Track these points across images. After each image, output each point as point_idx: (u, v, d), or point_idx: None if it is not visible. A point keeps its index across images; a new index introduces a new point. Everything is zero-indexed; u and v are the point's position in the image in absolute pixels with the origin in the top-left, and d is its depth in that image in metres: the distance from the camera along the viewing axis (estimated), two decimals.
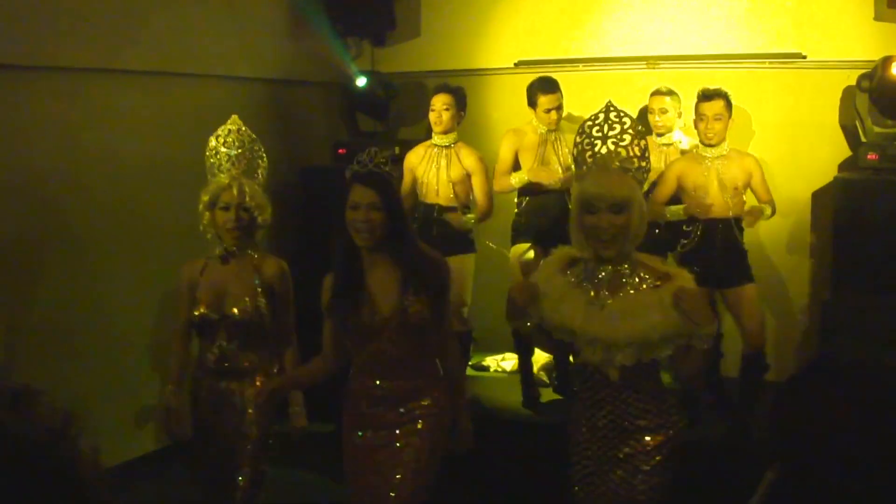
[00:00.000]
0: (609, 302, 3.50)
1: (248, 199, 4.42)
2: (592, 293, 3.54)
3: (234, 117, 4.74)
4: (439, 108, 6.51)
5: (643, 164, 3.56)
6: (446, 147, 6.53)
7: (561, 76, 7.07)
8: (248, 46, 7.17)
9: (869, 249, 6.07)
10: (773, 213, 6.04)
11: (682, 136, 6.56)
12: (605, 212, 3.43)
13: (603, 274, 3.55)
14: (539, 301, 3.60)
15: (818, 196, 6.72)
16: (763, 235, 6.68)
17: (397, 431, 3.94)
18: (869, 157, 6.23)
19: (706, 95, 5.85)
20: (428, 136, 6.75)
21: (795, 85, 6.79)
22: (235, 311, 4.41)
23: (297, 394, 4.56)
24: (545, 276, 3.68)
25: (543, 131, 6.54)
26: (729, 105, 5.84)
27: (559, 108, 6.52)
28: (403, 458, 3.91)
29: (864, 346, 5.94)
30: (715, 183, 5.85)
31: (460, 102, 6.58)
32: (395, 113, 7.78)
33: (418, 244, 3.96)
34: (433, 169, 6.54)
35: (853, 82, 6.42)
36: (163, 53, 6.35)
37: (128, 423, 6.12)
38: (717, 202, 5.84)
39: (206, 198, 4.42)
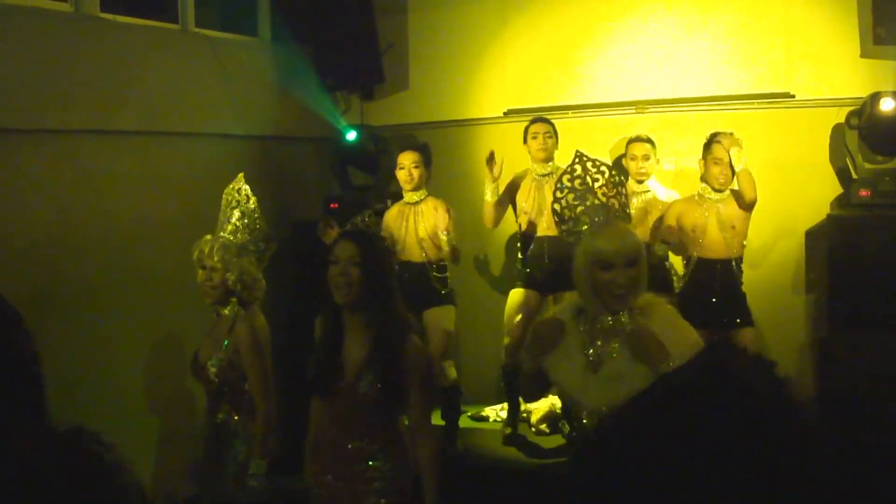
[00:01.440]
0: (604, 367, 3.48)
1: (215, 261, 4.44)
2: (591, 350, 3.52)
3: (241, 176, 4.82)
4: (409, 165, 6.48)
5: (628, 211, 3.58)
6: (416, 203, 6.51)
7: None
8: (238, 104, 7.19)
9: (864, 286, 6.05)
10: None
11: (658, 185, 6.58)
12: (621, 267, 3.42)
13: (604, 324, 3.53)
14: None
15: (812, 234, 6.71)
16: (760, 274, 6.64)
17: (358, 487, 3.88)
18: (861, 193, 6.23)
19: (715, 138, 5.92)
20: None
21: (785, 124, 6.80)
22: (203, 365, 4.50)
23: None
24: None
25: (539, 174, 6.53)
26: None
27: (551, 135, 6.53)
28: None
29: (860, 382, 5.92)
30: (714, 223, 5.87)
31: (428, 159, 6.57)
32: (387, 166, 7.77)
33: (395, 308, 3.86)
34: (406, 226, 6.52)
35: (842, 120, 6.43)
36: (153, 113, 6.37)
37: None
38: (717, 242, 5.85)
39: (195, 255, 4.44)
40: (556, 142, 6.57)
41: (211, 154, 7.09)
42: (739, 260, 5.93)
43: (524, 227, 6.62)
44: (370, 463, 3.84)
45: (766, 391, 1.24)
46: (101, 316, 5.83)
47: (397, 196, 6.81)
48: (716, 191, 5.95)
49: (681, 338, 3.42)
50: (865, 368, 5.95)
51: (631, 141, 6.61)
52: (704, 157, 6.02)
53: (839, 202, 6.63)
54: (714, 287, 5.85)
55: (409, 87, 8.04)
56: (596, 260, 3.45)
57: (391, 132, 7.87)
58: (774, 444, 1.18)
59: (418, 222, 6.47)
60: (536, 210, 6.50)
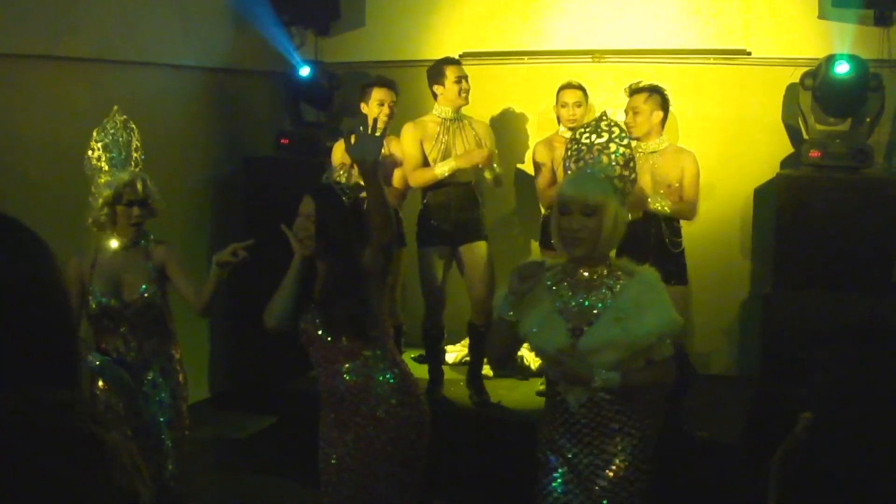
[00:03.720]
0: (582, 337, 3.49)
1: (144, 195, 4.45)
2: (573, 304, 3.55)
3: (116, 108, 4.63)
4: (388, 102, 6.40)
5: (625, 172, 3.55)
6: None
7: (506, 69, 7.10)
8: (192, 35, 7.08)
9: (810, 245, 6.14)
10: (686, 215, 5.91)
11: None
12: (577, 214, 3.45)
13: (579, 277, 3.57)
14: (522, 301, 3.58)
15: (760, 192, 6.79)
16: (705, 230, 6.69)
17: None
18: (811, 154, 6.29)
19: (631, 91, 5.92)
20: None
21: (739, 81, 6.83)
22: (135, 298, 4.45)
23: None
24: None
25: (446, 117, 6.32)
26: (657, 100, 5.83)
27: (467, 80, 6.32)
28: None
29: (801, 340, 6.03)
30: (647, 179, 5.78)
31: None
32: (339, 103, 7.70)
33: (353, 261, 3.95)
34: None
35: (797, 80, 6.48)
36: (104, 41, 6.26)
37: None
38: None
39: (108, 193, 4.38)
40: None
41: (163, 84, 7.00)
42: (672, 218, 5.85)
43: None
44: (380, 378, 4.02)
45: None
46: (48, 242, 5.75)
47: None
48: (634, 139, 5.66)
49: (659, 301, 3.48)
50: (806, 326, 6.06)
51: (562, 87, 6.48)
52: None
53: (789, 162, 6.70)
54: (645, 244, 5.72)
55: (366, 24, 7.93)
56: (558, 203, 3.52)
57: (345, 69, 7.78)
58: None
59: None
60: (441, 157, 6.25)
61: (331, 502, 4.12)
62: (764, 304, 6.38)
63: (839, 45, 6.29)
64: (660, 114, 5.86)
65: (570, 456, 3.62)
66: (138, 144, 4.57)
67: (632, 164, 3.59)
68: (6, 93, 5.70)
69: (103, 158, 4.45)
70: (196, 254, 6.96)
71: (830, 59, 6.11)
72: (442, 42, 7.65)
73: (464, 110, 6.41)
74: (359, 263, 3.96)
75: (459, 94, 6.28)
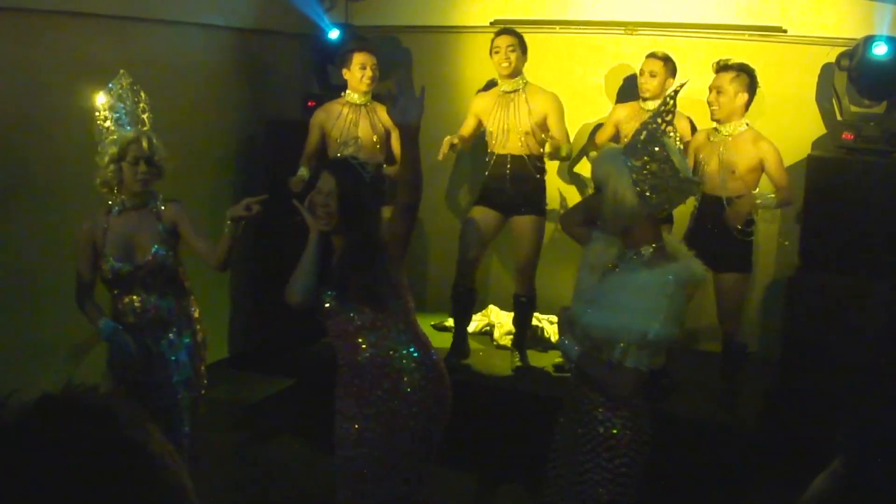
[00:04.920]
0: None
1: (157, 151, 4.42)
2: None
3: (122, 71, 4.58)
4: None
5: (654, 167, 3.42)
6: (513, 92, 6.35)
7: (536, 38, 6.98)
8: None
9: (838, 229, 6.03)
10: (789, 201, 5.78)
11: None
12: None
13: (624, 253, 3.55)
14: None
15: (790, 173, 6.67)
16: None
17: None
18: (844, 136, 6.18)
19: (717, 67, 5.69)
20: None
21: (774, 59, 6.69)
22: (147, 259, 4.43)
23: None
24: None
25: (504, 90, 6.39)
26: (744, 81, 5.60)
27: (515, 48, 6.27)
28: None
29: (824, 325, 5.96)
30: (714, 162, 5.67)
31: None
32: None
33: (371, 234, 3.94)
34: (347, 126, 6.51)
35: (833, 60, 6.36)
36: None
37: (93, 368, 6.04)
38: (714, 182, 5.64)
39: (113, 150, 4.35)
40: (523, 55, 6.33)
41: (190, 43, 6.96)
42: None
43: (489, 145, 6.49)
44: (403, 351, 3.99)
45: None
46: (70, 203, 5.72)
47: (377, 98, 6.68)
48: (715, 121, 5.69)
49: (646, 303, 3.35)
50: (830, 311, 5.99)
51: (646, 56, 6.37)
52: None
53: (821, 144, 6.59)
54: (707, 226, 5.70)
55: None
56: None
57: (374, 33, 7.70)
58: None
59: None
60: (500, 128, 6.34)
61: (347, 476, 4.09)
62: (788, 286, 6.30)
63: (878, 25, 6.17)
64: (745, 96, 5.62)
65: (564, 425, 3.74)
66: (145, 106, 4.52)
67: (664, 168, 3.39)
68: (31, 49, 5.67)
69: (109, 118, 4.43)
70: (219, 215, 6.93)
71: (868, 40, 5.98)
72: (472, 9, 7.58)
73: (491, 73, 6.47)
74: (378, 236, 3.93)
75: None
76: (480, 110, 6.48)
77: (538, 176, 6.38)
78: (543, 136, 6.20)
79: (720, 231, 5.63)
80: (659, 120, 3.36)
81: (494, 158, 6.40)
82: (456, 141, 6.23)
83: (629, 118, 6.32)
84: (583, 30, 7.30)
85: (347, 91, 6.59)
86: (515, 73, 6.30)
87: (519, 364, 6.44)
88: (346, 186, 3.87)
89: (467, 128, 6.52)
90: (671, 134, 3.41)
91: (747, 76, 5.61)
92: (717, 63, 5.70)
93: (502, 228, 6.48)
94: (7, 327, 5.66)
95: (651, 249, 3.42)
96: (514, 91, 6.33)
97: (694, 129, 6.18)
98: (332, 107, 6.64)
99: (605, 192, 3.41)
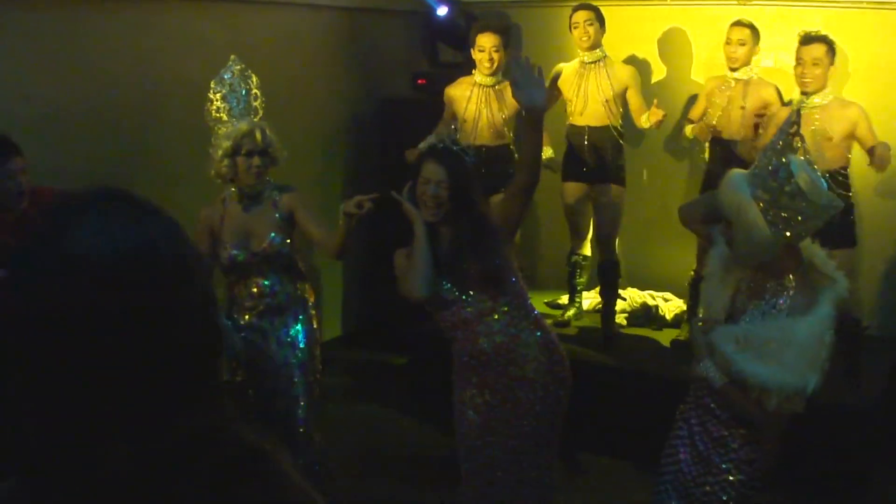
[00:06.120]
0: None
1: (271, 143, 4.45)
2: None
3: (233, 57, 4.61)
4: (489, 48, 6.39)
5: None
6: (594, 63, 6.42)
7: (646, 11, 6.88)
8: None
9: None
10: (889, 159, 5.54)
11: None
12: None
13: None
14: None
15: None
16: (859, 189, 6.36)
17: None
18: None
19: (806, 39, 5.58)
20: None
21: (861, 26, 6.44)
22: (264, 246, 4.47)
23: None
24: None
25: (584, 61, 6.47)
26: (831, 51, 5.54)
27: (592, 22, 6.36)
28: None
29: None
30: (807, 134, 5.53)
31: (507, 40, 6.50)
32: None
33: (483, 218, 3.94)
34: (475, 108, 6.49)
35: None
36: None
37: None
38: (811, 155, 5.52)
39: (227, 144, 4.38)
40: (601, 28, 6.37)
41: (298, 23, 7.01)
42: (839, 172, 5.56)
43: (567, 116, 6.58)
44: (525, 336, 3.96)
45: None
46: (189, 188, 5.83)
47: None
48: (803, 93, 5.61)
49: (797, 355, 3.22)
50: None
51: (731, 24, 6.25)
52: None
53: None
54: None
55: None
56: None
57: (483, 8, 7.66)
58: None
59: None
60: (580, 98, 6.43)
61: (475, 466, 4.08)
62: None
63: None
64: (833, 68, 5.60)
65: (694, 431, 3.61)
66: (257, 92, 4.55)
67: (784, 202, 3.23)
68: (142, 34, 5.77)
69: (223, 109, 4.46)
70: (330, 194, 7.02)
71: None
72: None
73: (580, 51, 6.52)
74: (487, 220, 3.91)
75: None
76: (562, 80, 6.54)
77: (617, 146, 6.45)
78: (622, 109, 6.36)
79: None
80: (785, 140, 3.20)
81: (572, 129, 6.53)
82: None
83: (716, 90, 6.23)
84: (692, 1, 7.15)
85: (475, 70, 6.56)
86: (594, 45, 6.38)
87: (610, 333, 6.50)
88: (456, 174, 3.85)
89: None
90: (799, 146, 3.27)
91: (833, 47, 5.57)
92: (805, 34, 5.61)
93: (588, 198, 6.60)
94: None
95: (792, 283, 3.31)
96: (595, 62, 6.39)
97: (781, 99, 6.04)
98: (461, 85, 6.61)
99: (736, 227, 3.29)
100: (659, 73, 7.21)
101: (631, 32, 7.15)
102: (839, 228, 5.47)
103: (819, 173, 3.29)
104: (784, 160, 3.13)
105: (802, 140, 3.31)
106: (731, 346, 3.31)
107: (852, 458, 5.33)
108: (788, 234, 3.17)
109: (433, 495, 5.24)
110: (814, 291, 3.28)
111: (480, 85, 6.49)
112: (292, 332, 4.61)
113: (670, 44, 7.13)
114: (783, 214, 3.14)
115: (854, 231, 5.67)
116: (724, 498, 3.47)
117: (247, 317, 4.58)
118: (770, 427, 3.36)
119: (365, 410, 6.56)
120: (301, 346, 4.61)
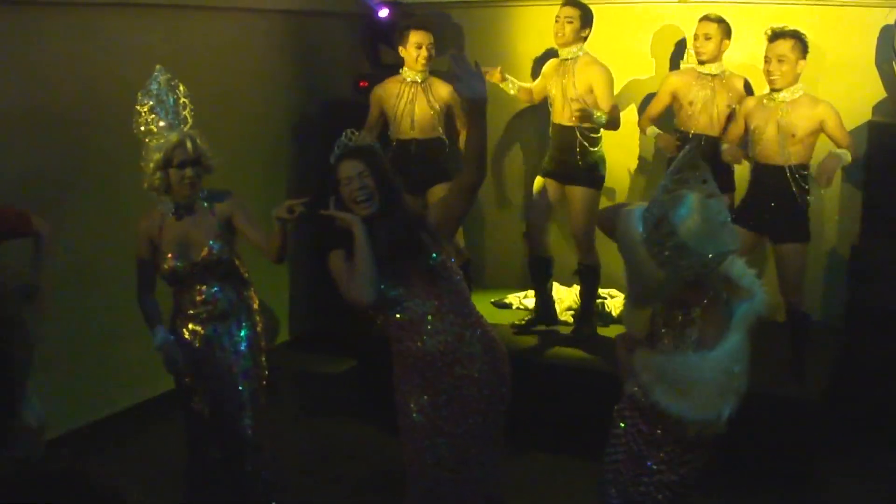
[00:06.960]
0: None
1: (202, 153, 4.42)
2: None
3: (159, 67, 4.55)
4: (427, 44, 6.51)
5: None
6: (569, 60, 6.38)
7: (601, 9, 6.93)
8: None
9: None
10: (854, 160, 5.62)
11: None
12: None
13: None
14: None
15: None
16: None
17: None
18: None
19: (773, 35, 5.56)
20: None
21: (832, 23, 6.54)
22: (203, 255, 4.44)
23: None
24: None
25: (561, 58, 6.46)
26: (800, 46, 5.50)
27: (571, 21, 6.32)
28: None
29: (891, 293, 5.86)
30: (772, 127, 5.56)
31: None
32: None
33: (415, 215, 3.96)
34: (405, 104, 6.59)
35: (892, 21, 6.22)
36: None
37: (153, 359, 6.12)
38: (772, 149, 5.58)
39: (158, 156, 4.34)
40: (581, 28, 6.32)
41: (240, 29, 6.98)
42: (800, 168, 5.59)
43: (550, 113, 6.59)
44: (468, 335, 3.96)
45: None
46: (128, 197, 5.77)
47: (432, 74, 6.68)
48: (772, 90, 5.60)
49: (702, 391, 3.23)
50: (895, 278, 5.90)
51: (699, 19, 6.26)
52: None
53: (881, 108, 6.44)
54: (767, 193, 5.63)
55: None
56: None
57: (425, 10, 7.65)
58: None
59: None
60: (556, 96, 6.43)
61: (424, 466, 4.06)
62: (852, 255, 6.22)
63: None
64: (804, 63, 5.55)
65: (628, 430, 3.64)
66: (186, 101, 4.49)
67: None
68: (83, 41, 5.72)
69: (152, 121, 4.40)
70: (275, 198, 6.94)
71: None
72: None
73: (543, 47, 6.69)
74: (420, 216, 3.93)
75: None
76: (548, 76, 6.59)
77: (589, 147, 6.35)
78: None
79: (779, 200, 5.58)
80: (673, 182, 3.10)
81: (552, 127, 6.52)
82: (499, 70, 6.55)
83: (686, 85, 6.25)
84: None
85: (404, 69, 6.61)
86: (567, 43, 6.32)
87: (585, 334, 6.50)
88: (372, 162, 3.86)
89: (536, 85, 6.73)
90: (699, 174, 3.11)
91: (802, 42, 5.53)
92: (772, 30, 5.60)
93: (563, 198, 6.55)
94: (67, 321, 5.74)
95: (699, 315, 3.28)
96: (568, 60, 6.37)
97: (750, 91, 6.09)
98: (389, 84, 6.68)
99: (627, 265, 3.26)
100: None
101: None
102: (793, 223, 5.57)
103: (719, 202, 3.12)
104: (667, 214, 3.02)
105: (705, 169, 3.13)
106: (648, 376, 3.32)
107: (796, 450, 5.41)
108: (683, 274, 3.08)
109: (385, 500, 5.23)
110: (725, 318, 3.24)
111: (411, 81, 6.57)
112: (236, 339, 4.59)
113: (610, 41, 7.16)
114: (670, 262, 3.06)
115: (808, 226, 5.69)
116: (660, 497, 3.49)
117: (190, 325, 4.55)
118: (698, 443, 3.39)
119: (314, 416, 6.53)
120: (245, 353, 4.59)
